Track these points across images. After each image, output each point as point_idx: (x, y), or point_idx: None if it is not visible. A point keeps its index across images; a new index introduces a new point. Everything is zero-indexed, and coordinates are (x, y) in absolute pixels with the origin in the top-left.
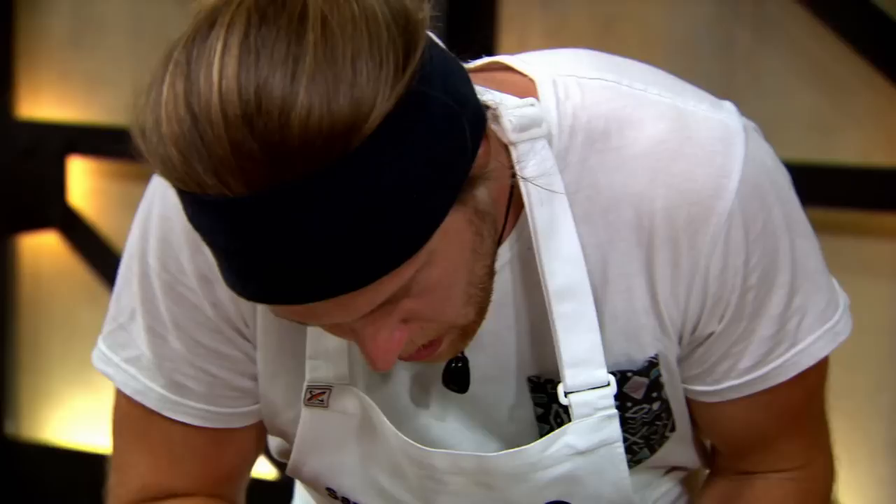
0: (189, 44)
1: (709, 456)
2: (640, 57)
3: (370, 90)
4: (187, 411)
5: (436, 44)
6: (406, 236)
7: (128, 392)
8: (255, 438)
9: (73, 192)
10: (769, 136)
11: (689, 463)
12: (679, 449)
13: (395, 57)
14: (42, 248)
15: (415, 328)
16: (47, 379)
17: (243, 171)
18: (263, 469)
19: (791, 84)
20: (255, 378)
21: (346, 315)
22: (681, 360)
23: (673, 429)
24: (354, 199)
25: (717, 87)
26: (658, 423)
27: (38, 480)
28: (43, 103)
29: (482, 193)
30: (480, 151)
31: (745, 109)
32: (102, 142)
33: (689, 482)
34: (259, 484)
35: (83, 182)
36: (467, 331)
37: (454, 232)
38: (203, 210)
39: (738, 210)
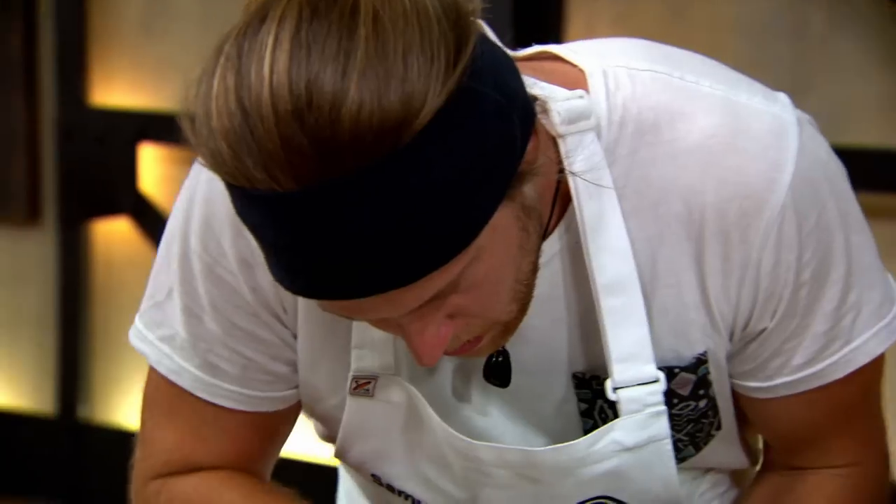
0: (240, 37)
1: (756, 455)
2: (710, 42)
3: (421, 86)
4: (220, 393)
5: (486, 37)
6: (455, 232)
7: (162, 371)
8: (286, 422)
9: (144, 179)
10: (843, 121)
11: (736, 463)
12: (724, 448)
13: (447, 52)
14: (114, 234)
15: (460, 324)
16: (118, 364)
17: (293, 165)
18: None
19: (866, 68)
20: (290, 363)
21: (393, 310)
22: (732, 356)
23: (719, 427)
24: (404, 194)
25: (790, 71)
26: (704, 420)
27: (110, 463)
28: (115, 91)
29: (529, 189)
30: (529, 147)
31: (818, 94)
32: (173, 129)
33: (737, 477)
34: (317, 467)
35: (154, 169)
36: (509, 327)
37: (502, 228)
38: (252, 204)
39: (791, 204)
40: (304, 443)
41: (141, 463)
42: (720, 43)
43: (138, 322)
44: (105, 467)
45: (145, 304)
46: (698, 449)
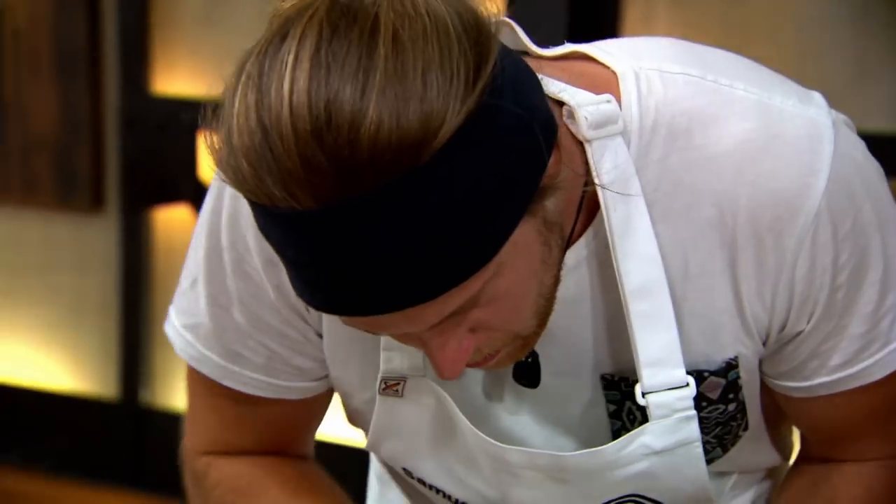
0: (261, 55)
1: (788, 451)
2: (770, 29)
3: (440, 105)
4: (244, 381)
5: (508, 52)
6: (474, 250)
7: (185, 358)
8: (321, 405)
9: (205, 167)
10: None
11: (766, 462)
12: (751, 447)
13: (466, 70)
14: (174, 221)
15: (482, 337)
16: None
17: (312, 184)
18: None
19: None
20: (314, 359)
21: (413, 326)
22: (769, 358)
23: (746, 428)
24: (423, 213)
25: (852, 58)
26: (733, 423)
27: (170, 446)
28: (177, 80)
29: (551, 203)
30: (551, 161)
31: (881, 81)
32: None
33: (770, 470)
34: (347, 450)
35: None
36: (528, 341)
37: (523, 244)
38: (273, 222)
39: (826, 209)
40: (335, 425)
41: (190, 437)
42: (780, 29)
43: (171, 309)
44: (166, 451)
45: (176, 292)
46: (725, 450)
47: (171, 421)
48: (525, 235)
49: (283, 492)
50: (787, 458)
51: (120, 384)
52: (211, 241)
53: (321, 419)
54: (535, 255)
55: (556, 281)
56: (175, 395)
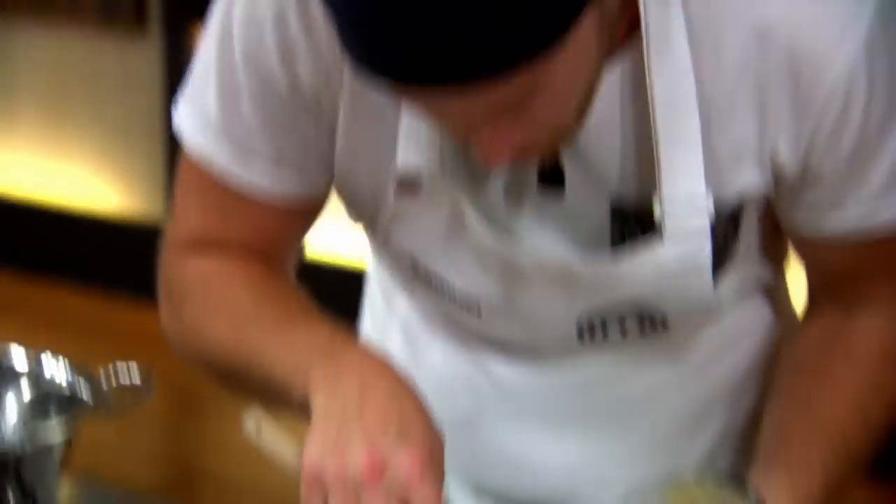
0: None
1: (780, 263)
2: None
3: None
4: (252, 166)
5: None
6: (547, 25)
7: (191, 146)
8: (311, 212)
9: None
10: None
11: (762, 278)
12: (739, 268)
13: None
14: None
15: (528, 128)
16: None
17: None
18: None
19: None
20: (321, 157)
21: (475, 106)
22: (787, 202)
23: (733, 255)
24: None
25: None
26: (726, 251)
27: None
28: None
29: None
30: None
31: None
32: None
33: (773, 295)
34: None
35: None
36: (565, 136)
37: (583, 34)
38: None
39: (864, 56)
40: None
41: (171, 230)
42: None
43: (180, 101)
44: None
45: (188, 83)
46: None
47: None
48: (587, 25)
49: (243, 288)
50: (781, 267)
51: (167, 205)
52: (224, 30)
53: (301, 239)
54: (591, 46)
55: (600, 77)
56: None
